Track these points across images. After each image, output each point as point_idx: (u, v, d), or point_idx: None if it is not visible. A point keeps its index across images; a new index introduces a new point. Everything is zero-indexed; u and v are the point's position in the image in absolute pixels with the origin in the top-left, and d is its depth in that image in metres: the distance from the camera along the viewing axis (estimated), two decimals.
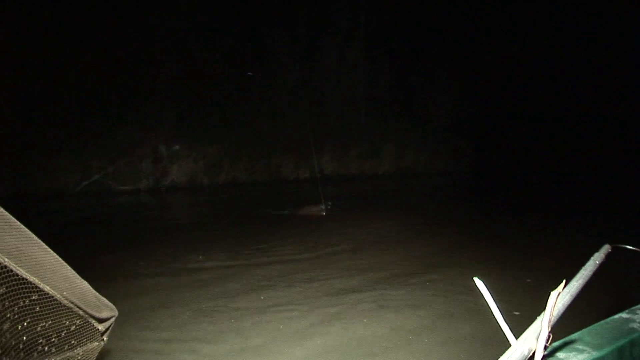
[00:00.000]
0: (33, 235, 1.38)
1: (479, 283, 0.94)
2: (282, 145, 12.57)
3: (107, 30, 10.02)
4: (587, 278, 1.25)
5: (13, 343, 1.29)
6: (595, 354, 1.14)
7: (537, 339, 0.89)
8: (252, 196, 10.55)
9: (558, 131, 13.64)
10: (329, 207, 7.96)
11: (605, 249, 1.46)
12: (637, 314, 1.34)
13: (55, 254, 1.43)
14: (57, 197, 9.83)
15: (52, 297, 1.41)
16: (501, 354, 0.86)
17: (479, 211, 8.66)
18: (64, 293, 1.46)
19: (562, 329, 1.23)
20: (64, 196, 10.00)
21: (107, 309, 1.57)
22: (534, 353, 0.89)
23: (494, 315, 0.93)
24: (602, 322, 1.30)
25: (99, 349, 1.58)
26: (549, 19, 13.16)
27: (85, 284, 1.50)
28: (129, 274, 4.77)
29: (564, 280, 1.02)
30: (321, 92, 12.93)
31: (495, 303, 0.93)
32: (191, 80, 11.29)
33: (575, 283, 1.21)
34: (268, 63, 12.32)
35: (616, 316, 1.33)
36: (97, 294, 1.53)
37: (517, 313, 3.55)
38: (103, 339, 1.59)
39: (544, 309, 0.89)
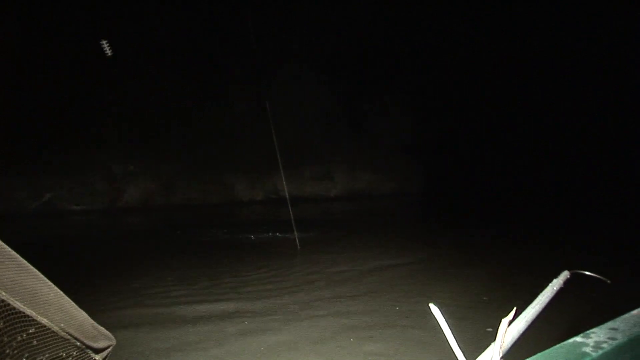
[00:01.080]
0: (28, 265, 1.35)
1: (434, 309, 0.92)
2: (237, 166, 12.55)
3: (59, 51, 9.65)
4: (544, 304, 1.24)
5: None
6: None
7: None
8: (207, 217, 10.30)
9: (514, 150, 14.36)
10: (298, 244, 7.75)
11: (564, 275, 1.47)
12: (591, 337, 1.34)
13: (51, 284, 1.40)
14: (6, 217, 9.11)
15: (49, 329, 1.37)
16: None
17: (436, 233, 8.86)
18: (61, 325, 1.42)
19: (521, 353, 1.24)
20: (15, 216, 9.30)
21: (104, 339, 1.52)
22: None
23: (448, 342, 0.92)
24: (557, 346, 1.30)
25: None
26: (504, 39, 13.96)
27: (82, 314, 1.47)
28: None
29: (515, 308, 1.01)
30: (276, 115, 13.12)
31: (450, 330, 0.91)
32: (147, 101, 11.08)
33: (531, 310, 1.20)
34: (224, 85, 12.37)
35: (570, 340, 1.32)
36: (95, 323, 1.50)
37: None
38: None
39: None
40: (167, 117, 11.36)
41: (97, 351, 1.46)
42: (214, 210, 11.31)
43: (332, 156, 13.65)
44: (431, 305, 0.93)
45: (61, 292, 1.42)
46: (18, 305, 1.30)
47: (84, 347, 1.41)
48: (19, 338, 1.32)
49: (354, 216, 10.92)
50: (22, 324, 1.30)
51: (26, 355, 1.33)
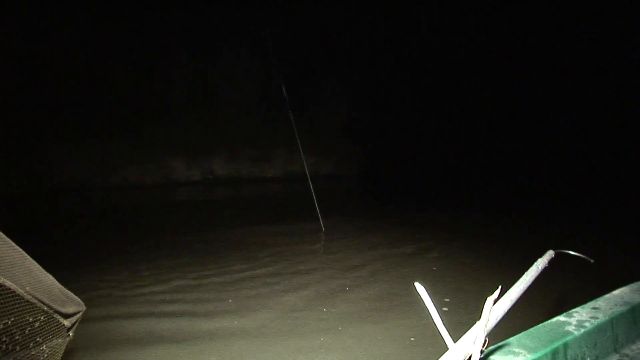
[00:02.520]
0: None
1: (419, 288, 0.92)
2: (175, 147, 12.45)
3: None
4: (528, 283, 1.28)
5: None
6: (530, 356, 1.18)
7: (474, 343, 0.91)
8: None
9: (451, 135, 14.68)
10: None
11: (549, 254, 1.50)
12: (573, 316, 1.40)
13: (16, 247, 1.33)
14: None
15: (14, 292, 1.31)
16: (439, 357, 0.88)
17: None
18: (27, 288, 1.36)
19: (505, 331, 1.28)
20: None
21: (73, 304, 1.48)
22: (470, 357, 0.91)
23: (433, 320, 0.93)
24: (540, 325, 1.35)
25: (65, 345, 1.48)
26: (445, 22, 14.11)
27: (49, 278, 1.41)
28: None
29: (500, 287, 1.03)
30: (215, 95, 13.10)
31: (435, 308, 0.92)
32: (82, 78, 10.75)
33: (516, 288, 1.23)
34: (164, 64, 12.14)
35: (554, 319, 1.38)
36: (63, 288, 1.44)
37: None
38: (69, 335, 1.50)
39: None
40: (104, 96, 11.07)
41: (66, 316, 1.41)
42: (152, 191, 11.16)
43: (270, 138, 13.83)
44: (416, 284, 0.93)
45: (27, 256, 1.35)
46: None
47: (51, 311, 1.37)
48: None
49: (291, 196, 11.15)
50: None
51: None
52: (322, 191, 8.14)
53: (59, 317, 1.40)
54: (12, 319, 1.35)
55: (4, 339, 1.31)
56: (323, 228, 6.55)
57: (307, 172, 7.39)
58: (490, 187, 11.53)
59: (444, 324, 0.92)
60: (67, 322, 1.43)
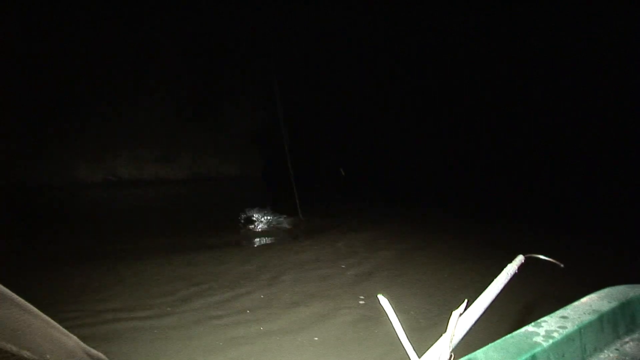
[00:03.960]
0: (11, 293, 1.11)
1: (383, 301, 0.89)
2: (78, 148, 12.01)
3: None
4: (497, 292, 1.23)
5: None
6: None
7: (439, 359, 0.87)
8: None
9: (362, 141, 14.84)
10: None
11: (519, 259, 1.44)
12: (542, 326, 1.35)
13: (36, 311, 1.16)
14: None
15: None
16: None
17: None
18: (47, 356, 1.20)
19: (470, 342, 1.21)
20: None
21: None
22: None
23: (397, 334, 0.90)
24: (507, 336, 1.29)
25: None
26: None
27: (72, 340, 1.27)
28: None
29: (466, 300, 0.99)
30: (120, 95, 12.65)
31: (399, 321, 0.89)
32: None
33: (484, 297, 1.19)
34: (67, 64, 11.47)
35: (522, 330, 1.33)
36: (87, 347, 1.30)
37: None
38: None
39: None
40: (6, 92, 10.46)
41: None
42: (53, 194, 10.65)
43: (175, 139, 13.65)
44: (380, 297, 0.90)
45: (48, 318, 1.20)
46: None
47: None
48: None
49: (199, 200, 11.01)
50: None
51: None
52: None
53: None
54: None
55: None
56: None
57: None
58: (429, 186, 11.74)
59: (408, 338, 0.88)
60: None
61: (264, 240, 6.70)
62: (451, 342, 0.88)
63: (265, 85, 13.95)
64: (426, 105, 14.66)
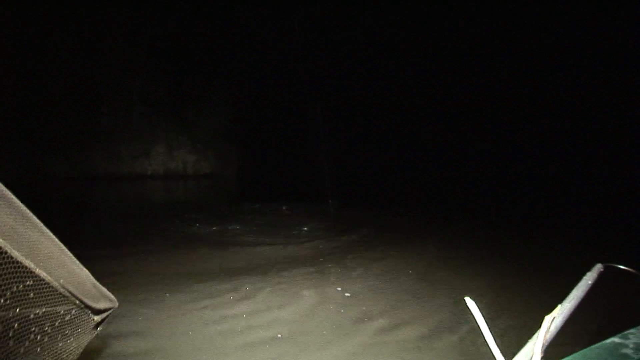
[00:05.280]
0: (32, 216, 1.30)
1: (470, 303, 0.91)
2: (54, 143, 12.34)
3: None
4: (579, 299, 1.24)
5: (2, 330, 1.21)
6: None
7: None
8: None
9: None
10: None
11: (597, 268, 1.44)
12: (629, 338, 1.32)
13: (55, 238, 1.35)
14: None
15: (48, 283, 1.33)
16: None
17: None
18: (61, 280, 1.38)
19: (553, 351, 1.20)
20: None
21: (105, 300, 1.48)
22: None
23: (484, 336, 0.90)
24: (594, 346, 1.28)
25: (89, 340, 1.49)
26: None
27: (84, 272, 1.41)
28: None
29: (559, 305, 0.99)
30: (97, 92, 13.06)
31: (487, 324, 0.90)
32: None
33: (567, 304, 1.19)
34: (45, 59, 12.08)
35: (608, 341, 1.30)
36: (97, 283, 1.44)
37: None
38: (97, 330, 1.50)
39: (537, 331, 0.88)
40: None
41: (96, 312, 1.42)
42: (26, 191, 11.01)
43: (150, 136, 13.72)
44: (467, 299, 0.93)
45: (65, 248, 1.37)
46: (16, 254, 1.25)
47: (83, 306, 1.38)
48: (15, 288, 1.27)
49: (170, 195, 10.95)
50: (19, 274, 1.27)
51: (20, 307, 1.29)
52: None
53: (89, 312, 1.40)
54: (44, 310, 1.35)
55: (33, 328, 1.32)
56: None
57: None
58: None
59: (494, 339, 0.90)
60: (97, 318, 1.44)
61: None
62: (543, 345, 0.92)
63: (238, 89, 14.44)
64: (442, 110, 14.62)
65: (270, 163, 15.59)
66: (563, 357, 1.15)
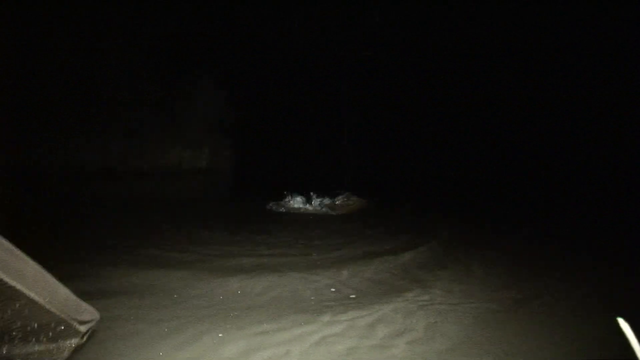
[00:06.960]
0: (13, 247, 1.59)
1: (623, 324, 0.90)
2: (54, 142, 12.32)
3: None
4: None
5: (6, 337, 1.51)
6: None
7: None
8: None
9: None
10: None
11: None
12: None
13: (35, 263, 1.65)
14: None
15: (38, 303, 1.62)
16: None
17: None
18: (47, 299, 1.67)
19: None
20: None
21: (87, 313, 1.76)
22: None
23: (637, 357, 0.90)
24: None
25: (75, 346, 1.75)
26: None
27: (65, 290, 1.71)
28: None
29: None
30: (97, 92, 12.53)
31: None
32: None
33: None
34: (45, 59, 12.19)
35: None
36: (78, 299, 1.73)
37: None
38: (83, 340, 1.77)
39: None
40: None
41: (82, 323, 1.70)
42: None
43: (142, 130, 13.70)
44: (620, 320, 0.92)
45: (44, 271, 1.67)
46: (8, 280, 1.55)
47: (69, 319, 1.65)
48: (13, 306, 1.57)
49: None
50: (13, 296, 1.56)
51: (19, 322, 1.58)
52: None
53: (75, 323, 1.68)
54: (36, 324, 1.64)
55: (31, 338, 1.60)
56: None
57: None
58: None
59: None
60: (82, 328, 1.71)
61: None
62: None
63: (233, 83, 14.24)
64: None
65: (283, 156, 14.84)
66: None
